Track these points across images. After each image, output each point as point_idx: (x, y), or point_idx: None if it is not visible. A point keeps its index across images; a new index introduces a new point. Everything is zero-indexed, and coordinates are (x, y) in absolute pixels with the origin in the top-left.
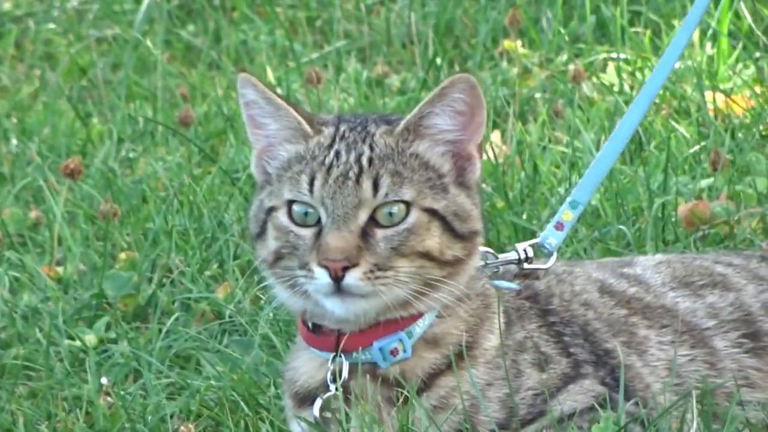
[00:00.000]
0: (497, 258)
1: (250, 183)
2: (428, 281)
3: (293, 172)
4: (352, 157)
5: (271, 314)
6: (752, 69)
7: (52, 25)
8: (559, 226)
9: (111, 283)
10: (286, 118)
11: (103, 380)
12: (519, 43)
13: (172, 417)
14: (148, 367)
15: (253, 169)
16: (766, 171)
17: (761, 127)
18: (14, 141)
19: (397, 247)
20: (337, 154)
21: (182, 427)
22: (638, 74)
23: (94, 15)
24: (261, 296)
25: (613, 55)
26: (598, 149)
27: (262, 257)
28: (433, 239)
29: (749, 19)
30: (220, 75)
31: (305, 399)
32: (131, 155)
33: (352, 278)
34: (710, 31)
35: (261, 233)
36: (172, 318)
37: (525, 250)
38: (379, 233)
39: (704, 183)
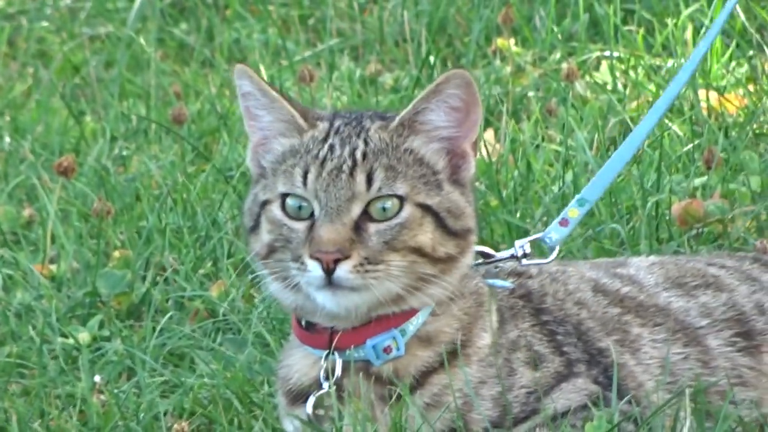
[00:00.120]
0: (494, 256)
1: (243, 181)
2: (420, 277)
3: (287, 165)
4: (347, 150)
5: (264, 312)
6: (746, 67)
7: (45, 23)
8: (564, 222)
9: (104, 281)
10: (280, 111)
11: (97, 378)
12: (512, 41)
13: (165, 415)
14: (142, 365)
15: (248, 162)
16: (760, 169)
17: (755, 126)
18: (7, 139)
19: (390, 242)
20: (332, 148)
21: (175, 425)
22: (631, 72)
23: (87, 13)
24: (255, 294)
25: (607, 53)
26: (591, 148)
27: (255, 251)
28: (426, 235)
29: (743, 17)
30: (213, 73)
31: (298, 397)
32: (124, 153)
33: (343, 270)
34: (703, 30)
35: (255, 227)
36: (166, 316)
37: (522, 247)
38: (372, 227)
39: (698, 181)
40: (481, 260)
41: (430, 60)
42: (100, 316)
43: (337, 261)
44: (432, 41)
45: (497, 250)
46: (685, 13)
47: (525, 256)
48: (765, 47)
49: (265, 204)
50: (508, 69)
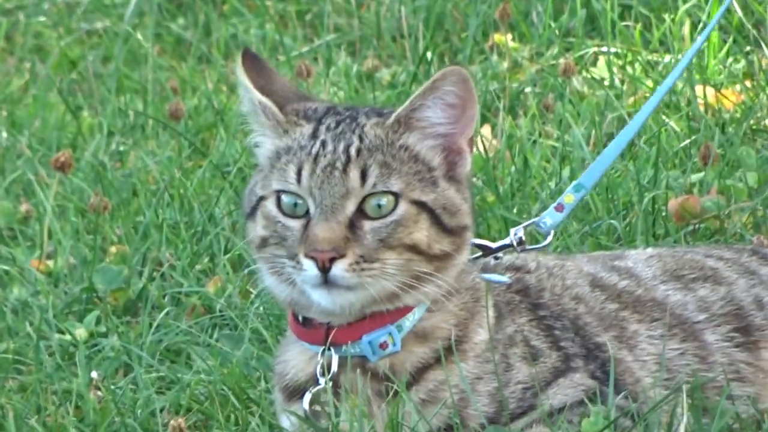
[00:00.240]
0: (491, 248)
1: (240, 176)
2: (416, 275)
3: (282, 163)
4: (341, 147)
5: (261, 308)
6: (742, 63)
7: (42, 18)
8: (560, 208)
9: (101, 277)
10: (264, 115)
11: (93, 374)
12: (509, 36)
13: (162, 411)
14: (138, 361)
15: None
16: (756, 165)
17: (751, 122)
18: (4, 134)
19: (385, 239)
20: (323, 144)
21: (172, 422)
22: (628, 68)
23: (84, 8)
24: (251, 290)
25: (604, 49)
26: (588, 143)
27: (250, 238)
28: (421, 232)
29: (739, 12)
30: (210, 68)
31: (295, 392)
32: (121, 148)
33: (339, 269)
34: (701, 25)
35: (251, 214)
36: (163, 312)
37: (517, 234)
38: (367, 225)
39: (694, 177)
40: (478, 253)
41: (427, 56)
42: (97, 311)
43: (332, 260)
44: (429, 37)
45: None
46: (683, 8)
47: (520, 243)
48: (762, 43)
49: (261, 200)
50: (505, 64)
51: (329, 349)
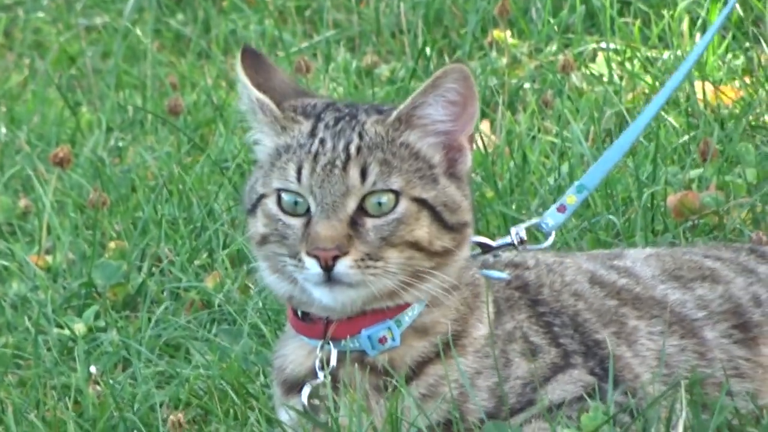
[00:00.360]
0: (492, 246)
1: (239, 172)
2: (417, 272)
3: (281, 161)
4: (341, 145)
5: (260, 303)
6: (741, 59)
7: (41, 14)
8: (561, 209)
9: (100, 272)
10: (262, 112)
11: (92, 369)
12: (508, 33)
13: (161, 406)
14: (137, 356)
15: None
16: (755, 161)
17: (750, 118)
18: (3, 130)
19: (387, 237)
20: (322, 142)
21: (171, 416)
22: (627, 64)
23: (83, 4)
24: (250, 285)
25: (603, 45)
26: (587, 139)
27: (251, 234)
28: (422, 229)
29: (739, 9)
30: (210, 64)
31: (294, 386)
32: (120, 144)
33: (343, 266)
34: (699, 21)
35: (252, 211)
36: (162, 307)
37: (518, 233)
38: (369, 222)
39: (693, 173)
40: (479, 250)
41: (426, 51)
42: (96, 307)
43: (335, 258)
44: (428, 33)
45: (493, 241)
46: (682, 5)
47: (521, 242)
48: (761, 39)
49: (261, 197)
50: (504, 61)
51: (328, 344)
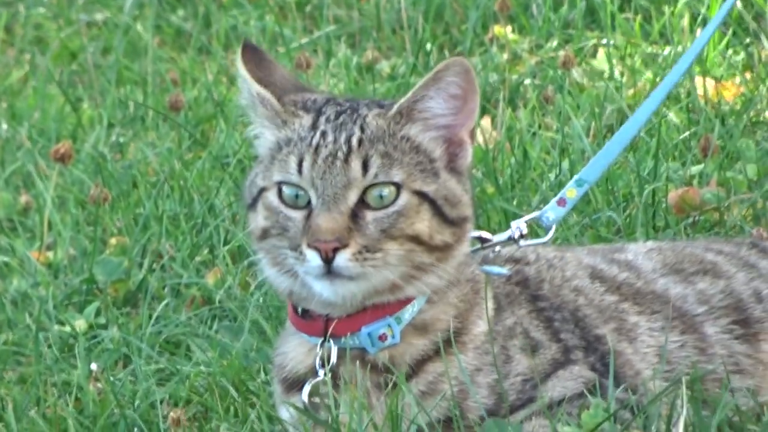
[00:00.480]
0: (491, 240)
1: (240, 168)
2: (417, 265)
3: (282, 154)
4: (342, 137)
5: (261, 300)
6: (742, 55)
7: (42, 10)
8: (562, 202)
9: (101, 269)
10: (262, 106)
11: (93, 366)
12: (509, 28)
13: (161, 403)
14: (138, 353)
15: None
16: (756, 157)
17: (751, 114)
18: (4, 125)
19: (387, 230)
20: (324, 135)
21: (171, 413)
22: (628, 60)
23: None
24: (251, 282)
25: (603, 41)
26: (588, 135)
27: (251, 229)
28: (423, 223)
29: (739, 4)
30: (210, 60)
31: (294, 384)
32: (121, 140)
33: (342, 259)
34: (700, 17)
35: (252, 205)
36: (162, 303)
37: (519, 228)
38: (369, 215)
39: (694, 169)
40: (478, 245)
41: (427, 47)
42: (97, 303)
43: (335, 250)
44: (429, 28)
45: (493, 236)
46: (683, 0)
47: (522, 237)
48: (761, 35)
49: (262, 191)
50: (505, 56)
51: (328, 341)
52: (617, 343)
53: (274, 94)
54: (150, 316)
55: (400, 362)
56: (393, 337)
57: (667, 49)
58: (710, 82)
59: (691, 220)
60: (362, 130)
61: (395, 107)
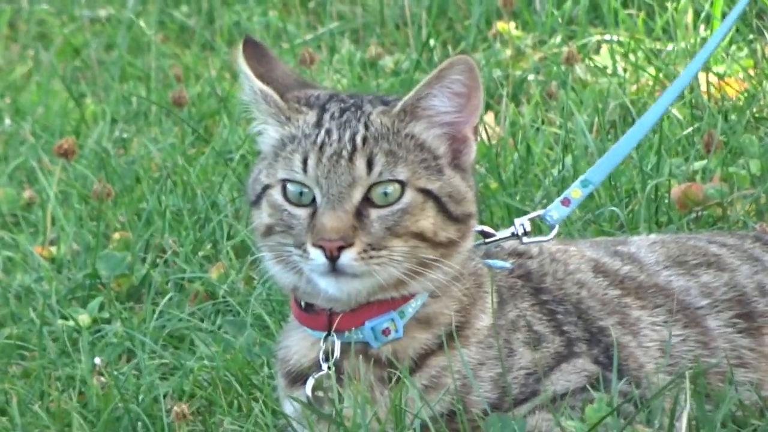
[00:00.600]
0: (494, 235)
1: (243, 163)
2: (422, 262)
3: (287, 152)
4: (347, 135)
5: (264, 294)
6: (745, 51)
7: (45, 6)
8: (566, 202)
9: (104, 263)
10: (265, 103)
11: (97, 360)
12: (512, 24)
13: (165, 397)
14: (142, 347)
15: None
16: (759, 153)
17: (754, 110)
18: (8, 121)
19: (392, 227)
20: (328, 133)
21: (175, 407)
22: (631, 56)
23: None
24: (254, 276)
25: (607, 37)
26: (591, 131)
27: (255, 226)
28: (428, 220)
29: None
30: (214, 56)
31: (298, 378)
32: (125, 135)
33: (347, 258)
34: (704, 14)
35: (256, 202)
36: (166, 298)
37: (522, 225)
38: (374, 213)
39: (697, 165)
40: (481, 240)
41: (430, 43)
42: (100, 298)
43: (340, 248)
44: (432, 24)
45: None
46: None
47: (525, 234)
48: (765, 31)
49: (266, 188)
50: (509, 52)
51: (332, 335)
52: (620, 337)
53: (277, 90)
54: (153, 311)
55: (403, 356)
56: (396, 331)
57: (671, 46)
58: (714, 78)
59: (694, 215)
60: (366, 127)
61: (399, 105)
